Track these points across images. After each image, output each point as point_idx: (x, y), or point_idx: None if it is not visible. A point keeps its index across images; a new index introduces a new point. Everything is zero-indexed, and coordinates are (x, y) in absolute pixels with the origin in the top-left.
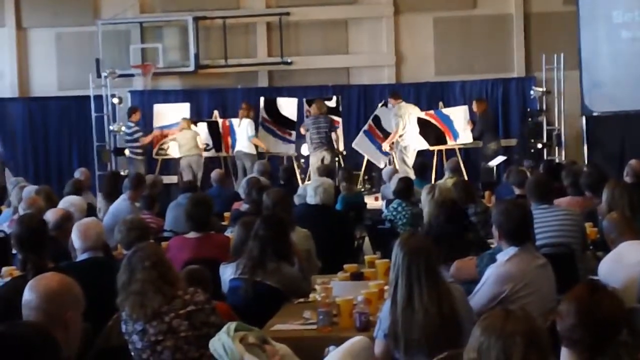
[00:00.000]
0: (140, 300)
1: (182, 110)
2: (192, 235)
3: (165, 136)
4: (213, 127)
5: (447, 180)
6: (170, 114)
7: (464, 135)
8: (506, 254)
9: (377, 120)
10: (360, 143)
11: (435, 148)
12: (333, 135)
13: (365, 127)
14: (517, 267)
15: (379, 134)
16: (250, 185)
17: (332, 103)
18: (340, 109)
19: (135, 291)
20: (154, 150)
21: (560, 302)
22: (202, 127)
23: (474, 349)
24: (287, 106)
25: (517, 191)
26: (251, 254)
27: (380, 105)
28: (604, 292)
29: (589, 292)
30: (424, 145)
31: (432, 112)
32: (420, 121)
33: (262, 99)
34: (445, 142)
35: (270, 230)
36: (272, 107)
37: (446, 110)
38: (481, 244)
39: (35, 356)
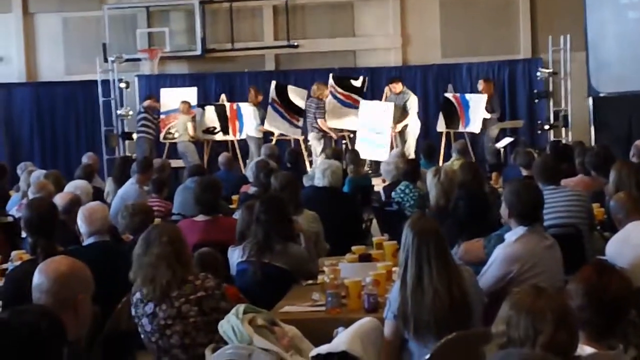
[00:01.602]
0: (152, 273)
1: (190, 94)
2: (200, 218)
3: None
4: (220, 110)
5: (454, 162)
6: (177, 98)
7: (475, 125)
8: (515, 234)
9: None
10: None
11: (445, 131)
12: (320, 121)
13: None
14: (525, 247)
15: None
16: (259, 168)
17: (357, 83)
18: (365, 90)
19: (148, 263)
20: (161, 135)
21: (567, 282)
22: (210, 111)
23: (503, 322)
24: (297, 95)
25: (524, 172)
26: (256, 237)
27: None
28: (612, 272)
29: (597, 273)
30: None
31: (458, 95)
32: (447, 102)
33: (273, 83)
34: (457, 127)
35: (270, 213)
36: (283, 91)
37: (469, 95)
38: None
39: (42, 342)
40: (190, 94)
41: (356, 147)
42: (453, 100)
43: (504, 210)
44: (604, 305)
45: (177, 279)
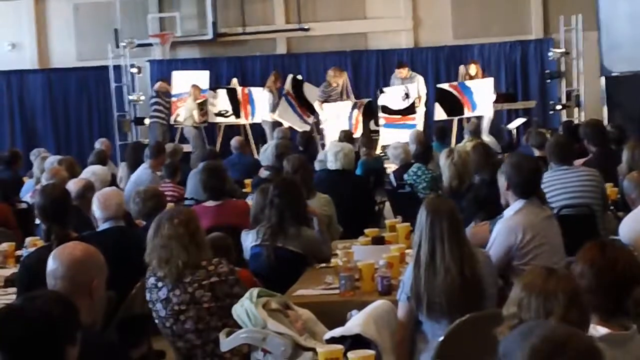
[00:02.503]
0: (165, 254)
1: (202, 77)
2: (210, 203)
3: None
4: (232, 94)
5: (467, 144)
6: (189, 81)
7: (483, 107)
8: (513, 208)
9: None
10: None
11: (446, 119)
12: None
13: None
14: (525, 218)
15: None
16: (279, 149)
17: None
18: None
19: (160, 244)
20: (172, 118)
21: (570, 263)
22: (222, 94)
23: (514, 303)
24: (312, 93)
25: (537, 153)
26: (270, 221)
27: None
28: (617, 250)
29: (601, 251)
30: (441, 115)
31: (455, 83)
32: (441, 92)
33: (290, 77)
34: (462, 113)
35: (284, 196)
36: (298, 86)
37: (469, 83)
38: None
39: (56, 328)
40: (202, 77)
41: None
42: (450, 89)
43: (502, 183)
44: (613, 285)
45: (192, 261)
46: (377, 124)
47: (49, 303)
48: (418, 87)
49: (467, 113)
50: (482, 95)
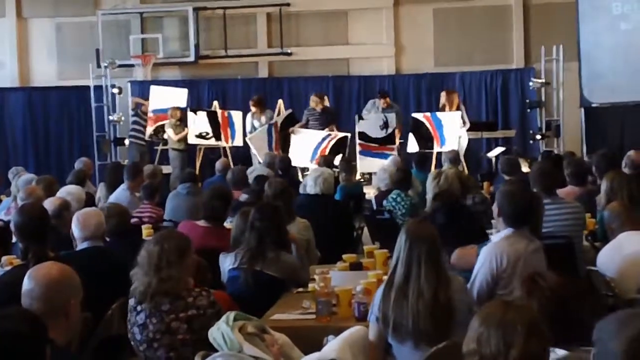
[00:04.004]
0: (156, 276)
1: (180, 95)
2: (202, 223)
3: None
4: (212, 116)
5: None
6: (167, 97)
7: (452, 142)
8: (500, 234)
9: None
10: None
11: (418, 151)
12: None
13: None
14: (512, 247)
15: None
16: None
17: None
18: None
19: (154, 264)
20: (146, 133)
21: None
22: (202, 116)
23: (473, 340)
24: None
25: (506, 178)
26: (249, 244)
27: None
28: (547, 279)
29: (538, 286)
30: (414, 146)
31: (429, 114)
32: (415, 122)
33: (286, 112)
34: (432, 147)
35: (265, 220)
36: (289, 124)
37: (440, 114)
38: (478, 234)
39: (25, 347)
40: (180, 95)
41: (358, 162)
42: (424, 120)
43: (495, 209)
44: (560, 313)
45: (179, 286)
46: (344, 156)
47: (17, 323)
48: (395, 118)
49: (436, 148)
50: (451, 130)
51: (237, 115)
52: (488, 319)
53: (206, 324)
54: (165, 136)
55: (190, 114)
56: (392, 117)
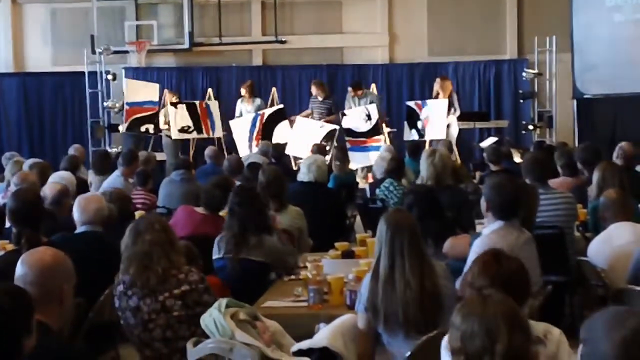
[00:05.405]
0: (145, 263)
1: (152, 89)
2: (200, 210)
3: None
4: (192, 109)
5: None
6: (140, 91)
7: (437, 131)
8: (490, 227)
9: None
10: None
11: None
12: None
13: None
14: (503, 239)
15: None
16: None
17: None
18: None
19: (141, 251)
20: (123, 126)
21: (546, 283)
22: (182, 109)
23: (457, 338)
24: (281, 133)
25: (492, 167)
26: (232, 231)
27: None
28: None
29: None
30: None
31: (419, 102)
32: (409, 109)
33: (278, 106)
34: (424, 135)
35: (244, 205)
36: (276, 119)
37: (429, 102)
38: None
39: (9, 320)
40: (152, 89)
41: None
42: (415, 107)
43: (482, 204)
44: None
45: (174, 267)
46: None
47: (1, 296)
48: (378, 106)
49: (427, 136)
50: (438, 118)
51: (214, 106)
52: (470, 315)
53: (198, 299)
54: (161, 125)
55: (170, 108)
56: (373, 108)
